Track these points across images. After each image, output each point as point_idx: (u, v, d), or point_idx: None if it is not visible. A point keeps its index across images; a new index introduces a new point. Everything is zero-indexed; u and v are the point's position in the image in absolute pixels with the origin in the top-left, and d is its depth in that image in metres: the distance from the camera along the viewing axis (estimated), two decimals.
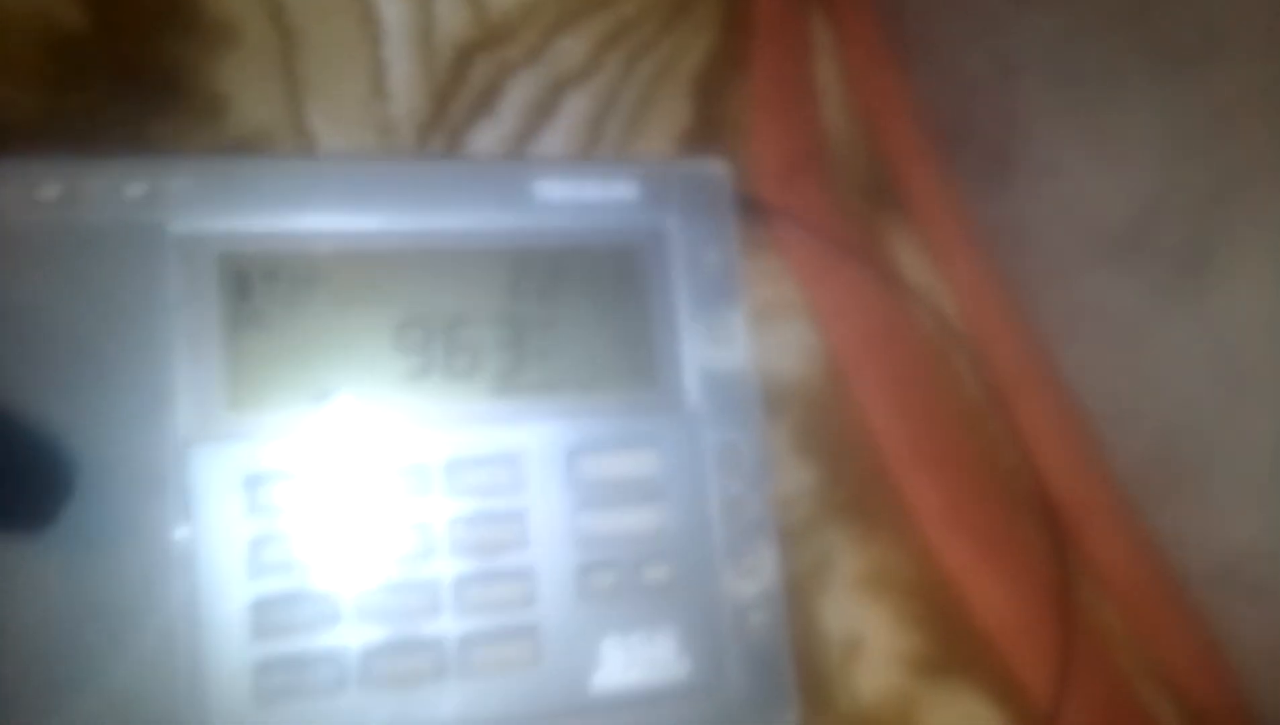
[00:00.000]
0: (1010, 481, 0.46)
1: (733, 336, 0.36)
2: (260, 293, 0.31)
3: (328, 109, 0.41)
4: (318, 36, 0.41)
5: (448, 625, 0.31)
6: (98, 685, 0.28)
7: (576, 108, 0.45)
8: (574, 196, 0.35)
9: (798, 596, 0.41)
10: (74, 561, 0.28)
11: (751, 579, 0.35)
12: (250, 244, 0.31)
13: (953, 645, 0.43)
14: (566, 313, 0.34)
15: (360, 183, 0.33)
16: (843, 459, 0.45)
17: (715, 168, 0.37)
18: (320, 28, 0.41)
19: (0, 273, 0.29)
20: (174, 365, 0.30)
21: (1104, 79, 0.47)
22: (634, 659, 0.33)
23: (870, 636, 0.43)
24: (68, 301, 0.29)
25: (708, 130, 0.48)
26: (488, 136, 0.44)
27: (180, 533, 0.29)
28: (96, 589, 0.28)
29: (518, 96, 0.45)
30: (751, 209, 0.44)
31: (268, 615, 0.30)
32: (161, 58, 0.40)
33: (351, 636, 0.31)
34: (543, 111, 0.45)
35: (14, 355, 0.29)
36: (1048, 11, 0.48)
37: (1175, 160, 0.44)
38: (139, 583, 0.28)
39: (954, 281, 0.50)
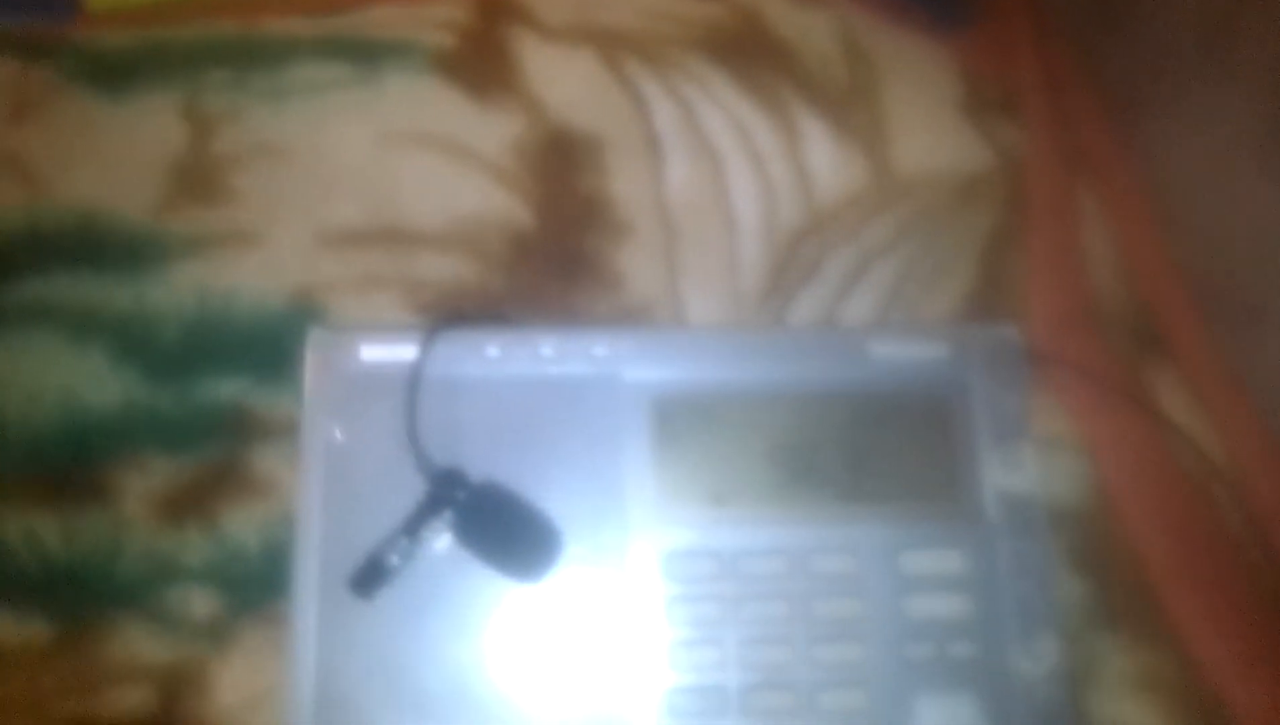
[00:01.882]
0: (1270, 602, 0.52)
1: (1023, 465, 0.46)
2: (677, 424, 0.44)
3: (695, 283, 0.55)
4: (691, 231, 0.55)
5: (803, 674, 0.42)
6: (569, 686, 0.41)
7: (882, 275, 0.57)
8: (898, 355, 0.46)
9: (1069, 691, 0.48)
10: (559, 599, 0.41)
11: (1039, 662, 0.44)
12: (672, 389, 0.44)
13: None
14: (893, 443, 0.45)
15: (745, 347, 0.46)
16: (1111, 574, 0.52)
17: (1009, 332, 0.48)
18: (693, 225, 0.56)
19: (502, 399, 0.44)
20: (622, 471, 0.43)
21: None
22: (943, 716, 0.43)
23: None
24: (551, 420, 0.43)
25: (991, 291, 0.57)
26: (811, 300, 0.56)
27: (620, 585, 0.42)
28: (570, 618, 0.41)
29: (836, 268, 0.56)
30: (1031, 357, 0.54)
31: (677, 653, 0.42)
32: (582, 247, 0.55)
33: (735, 676, 0.42)
34: (855, 278, 0.56)
35: (519, 464, 0.43)
36: None
37: None
38: (602, 616, 0.41)
39: (1216, 420, 0.56)
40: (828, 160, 0.57)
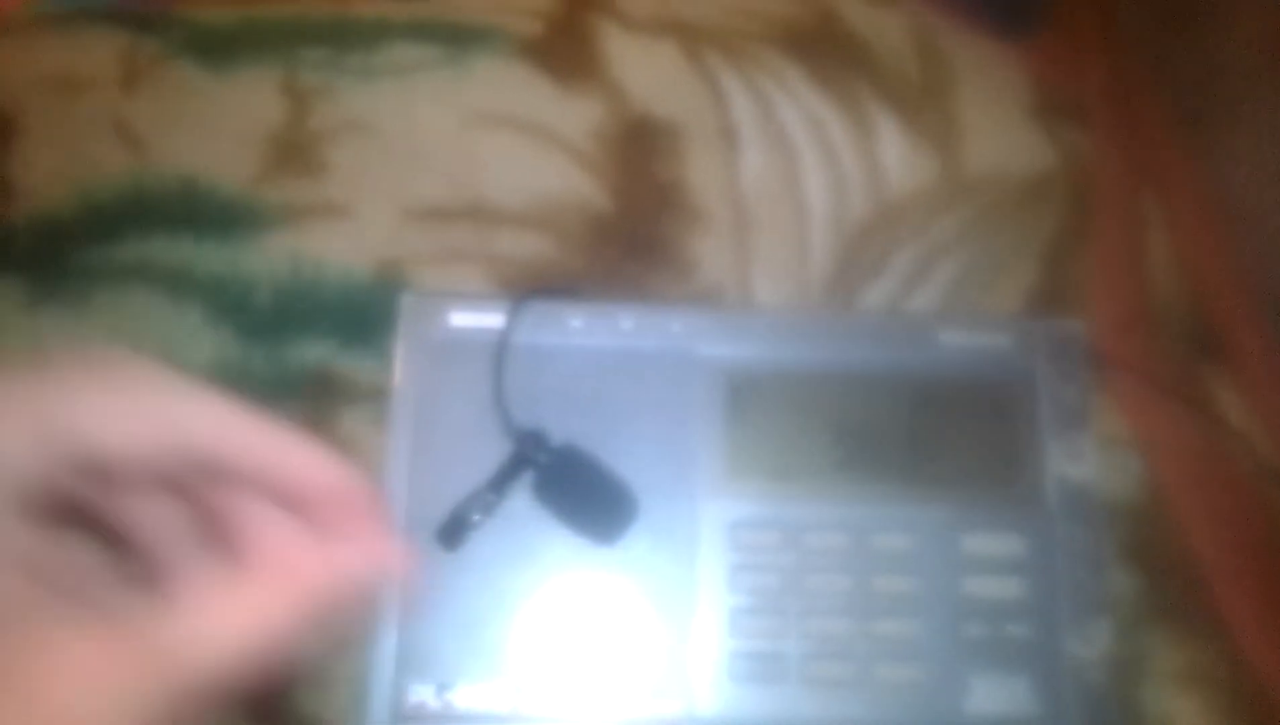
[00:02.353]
0: None
1: (1082, 455, 0.47)
2: (749, 400, 0.46)
3: (764, 271, 0.56)
4: (764, 221, 0.57)
5: (861, 646, 0.44)
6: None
7: (946, 270, 0.58)
8: (966, 343, 0.48)
9: (1119, 682, 0.49)
10: (629, 561, 0.43)
11: (1090, 645, 0.45)
12: (744, 366, 0.46)
13: None
14: (957, 428, 0.47)
15: (816, 329, 0.48)
16: (1163, 569, 0.53)
17: (1073, 325, 0.49)
18: (765, 214, 0.57)
19: (582, 370, 0.46)
20: (694, 443, 0.45)
21: None
22: (995, 694, 0.44)
23: (1184, 723, 0.51)
24: (628, 392, 0.45)
25: (1052, 290, 0.58)
26: (875, 293, 0.57)
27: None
28: (639, 580, 0.43)
29: (902, 262, 0.58)
30: (1091, 359, 0.55)
31: (739, 620, 0.44)
32: (657, 232, 0.57)
33: (795, 644, 0.44)
34: (919, 273, 0.58)
35: (596, 430, 0.45)
36: None
37: None
38: (670, 580, 0.43)
39: (1270, 424, 0.57)
40: (898, 156, 0.59)
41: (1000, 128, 0.61)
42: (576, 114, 0.58)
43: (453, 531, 0.41)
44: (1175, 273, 0.60)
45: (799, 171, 0.58)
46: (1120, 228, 0.61)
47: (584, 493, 0.43)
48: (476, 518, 0.40)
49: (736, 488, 0.45)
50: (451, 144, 0.57)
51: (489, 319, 0.46)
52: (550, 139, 0.58)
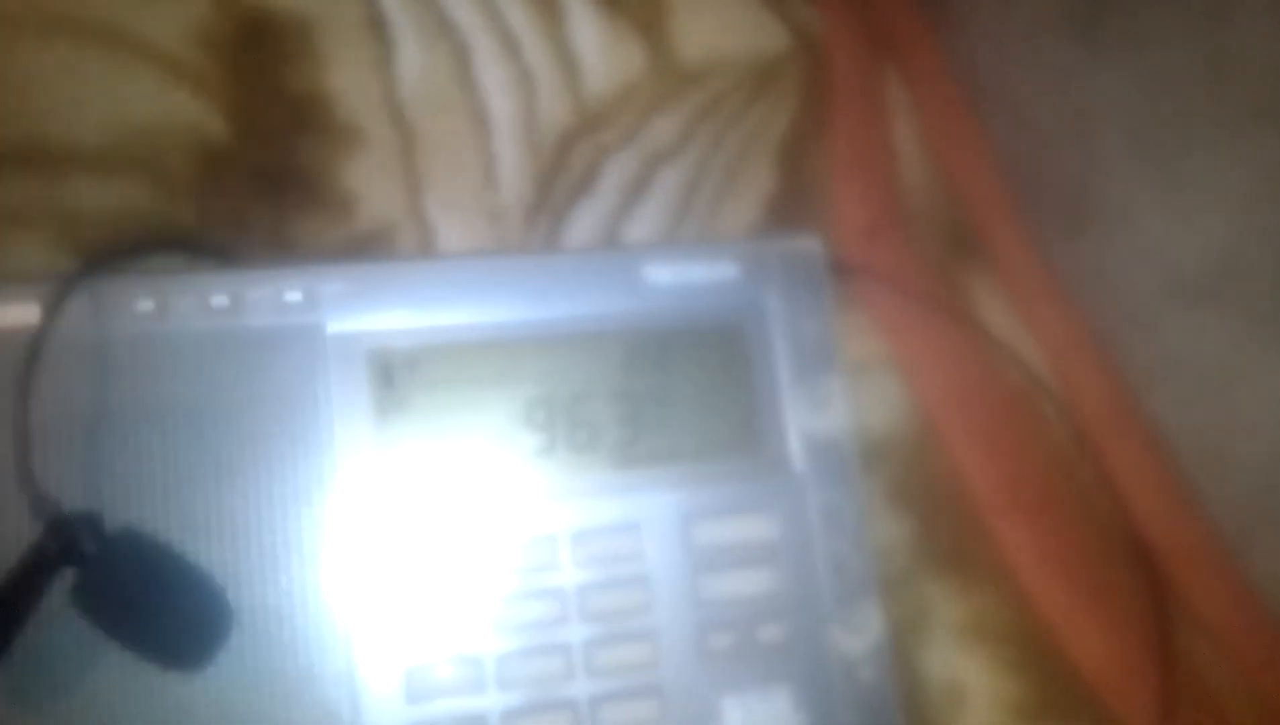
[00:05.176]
0: (1103, 527, 0.48)
1: (831, 401, 0.38)
2: (403, 382, 0.34)
3: (444, 200, 0.45)
4: (433, 134, 0.45)
5: (580, 687, 0.34)
6: None
7: (669, 182, 0.48)
8: (680, 279, 0.37)
9: (899, 646, 0.42)
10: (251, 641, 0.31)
11: (860, 636, 0.37)
12: (393, 339, 0.34)
13: (1053, 690, 0.45)
14: (678, 387, 0.37)
15: (487, 279, 0.36)
16: (937, 509, 0.47)
17: (809, 242, 0.40)
18: (436, 126, 0.45)
19: (160, 374, 0.33)
20: (332, 452, 0.33)
21: (1177, 131, 0.48)
22: (752, 716, 0.35)
23: (971, 684, 0.44)
24: (231, 397, 0.32)
25: (793, 195, 0.50)
26: (588, 215, 0.47)
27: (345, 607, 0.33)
28: (271, 659, 0.31)
29: (615, 176, 0.47)
30: (838, 269, 0.46)
31: (422, 680, 0.33)
32: (296, 160, 0.43)
33: (493, 700, 0.33)
34: (638, 188, 0.48)
35: (185, 448, 0.32)
36: (1121, 68, 0.50)
37: (1252, 210, 0.45)
38: (305, 658, 0.32)
39: (1038, 330, 0.51)
40: (595, 43, 0.48)
41: (716, 3, 0.50)
42: (171, 14, 0.44)
43: None
44: (925, 165, 0.52)
45: (472, 69, 0.46)
46: (862, 113, 0.53)
47: (148, 604, 0.29)
48: None
49: (397, 506, 0.34)
50: None
51: (21, 314, 0.32)
52: (136, 49, 0.43)
